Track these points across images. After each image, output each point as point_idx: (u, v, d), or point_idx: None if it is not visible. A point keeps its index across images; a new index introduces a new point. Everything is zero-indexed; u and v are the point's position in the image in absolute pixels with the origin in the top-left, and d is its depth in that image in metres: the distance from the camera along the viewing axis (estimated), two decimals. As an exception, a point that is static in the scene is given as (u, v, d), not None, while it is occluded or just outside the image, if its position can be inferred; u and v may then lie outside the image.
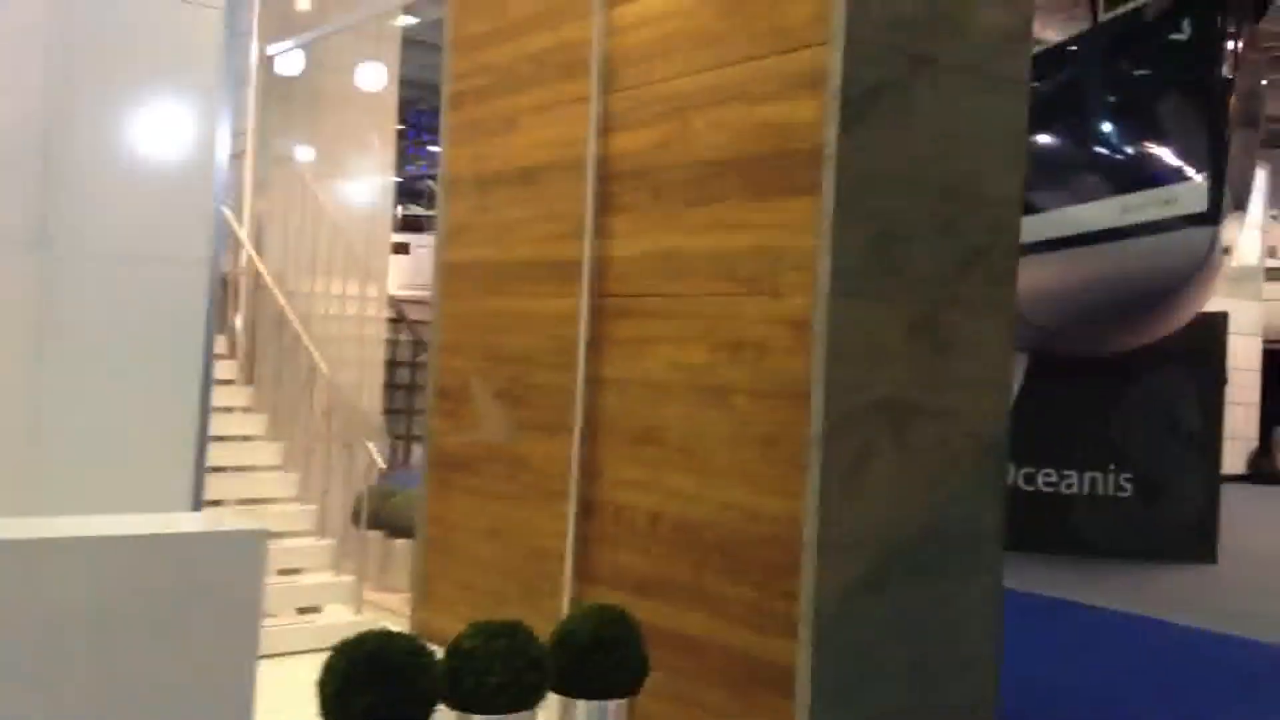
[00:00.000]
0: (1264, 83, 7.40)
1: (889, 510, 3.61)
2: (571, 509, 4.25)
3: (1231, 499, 14.12)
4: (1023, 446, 8.89)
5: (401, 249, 14.64)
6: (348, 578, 5.12)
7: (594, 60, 4.26)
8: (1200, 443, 8.75)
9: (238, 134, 6.84)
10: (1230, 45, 5.73)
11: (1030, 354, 8.77)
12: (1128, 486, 8.78)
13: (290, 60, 6.93)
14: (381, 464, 5.09)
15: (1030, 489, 8.89)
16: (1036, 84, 7.63)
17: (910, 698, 3.65)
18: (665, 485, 3.93)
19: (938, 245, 3.73)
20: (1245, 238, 17.08)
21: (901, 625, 3.61)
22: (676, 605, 3.84)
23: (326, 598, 5.10)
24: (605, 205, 4.23)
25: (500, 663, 3.18)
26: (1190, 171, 5.90)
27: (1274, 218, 21.51)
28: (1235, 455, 16.77)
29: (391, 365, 6.97)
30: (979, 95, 3.82)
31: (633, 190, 4.13)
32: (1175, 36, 6.04)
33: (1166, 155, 6.20)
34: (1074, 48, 7.15)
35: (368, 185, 7.13)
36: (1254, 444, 17.06)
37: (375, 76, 7.16)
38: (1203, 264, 6.02)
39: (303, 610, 5.08)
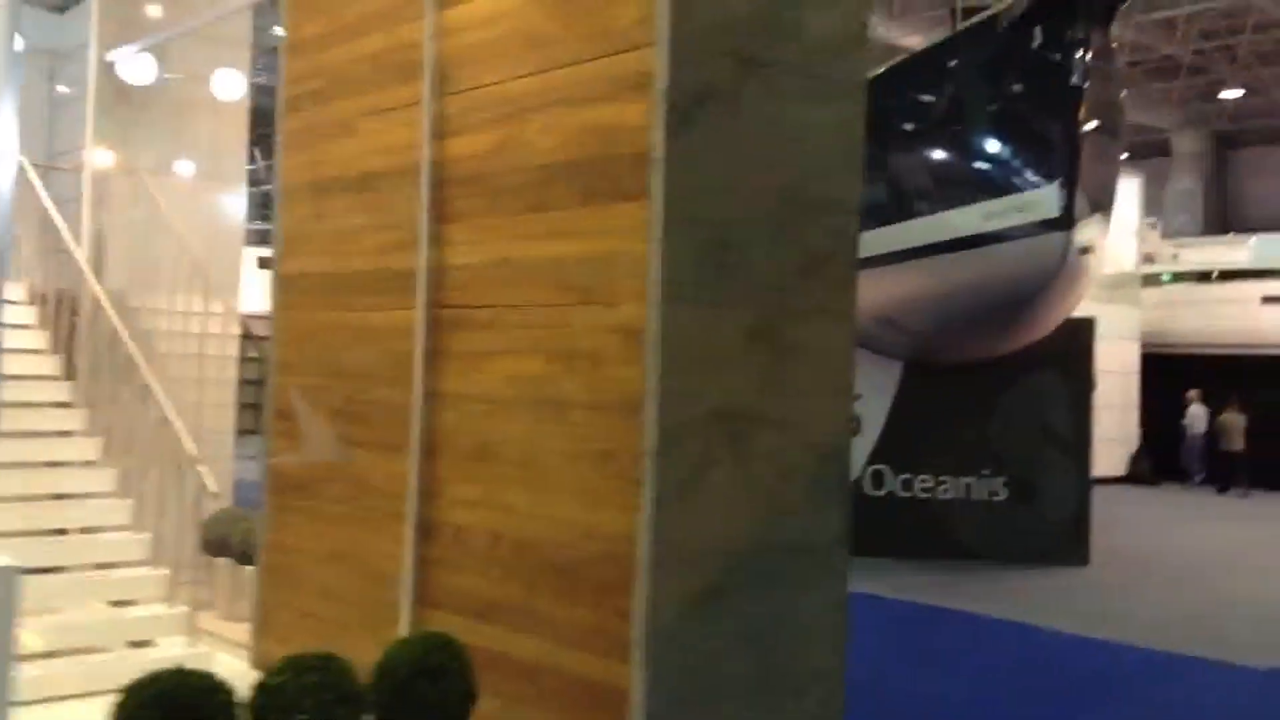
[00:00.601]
0: (1124, 92, 7.54)
1: (728, 522, 3.51)
2: (410, 531, 4.08)
3: (1111, 500, 14.49)
4: (900, 452, 8.95)
5: (269, 264, 14.18)
6: (181, 609, 4.85)
7: (427, 63, 4.10)
8: (1071, 446, 8.90)
9: (73, 148, 6.53)
10: (1080, 53, 5.80)
11: (906, 361, 8.83)
12: (1002, 490, 8.89)
13: (136, 67, 6.62)
14: (214, 488, 4.84)
15: (907, 494, 8.93)
16: (899, 93, 7.74)
17: (753, 714, 3.55)
18: (503, 503, 3.78)
19: (775, 252, 3.65)
20: (1122, 244, 17.60)
21: (743, 640, 3.51)
22: (513, 629, 3.69)
23: (159, 630, 4.83)
24: (441, 213, 4.07)
25: (310, 698, 3.00)
26: (1043, 178, 5.96)
27: (1151, 225, 22.22)
28: (1116, 458, 17.21)
29: (247, 385, 6.69)
30: (814, 100, 3.75)
31: (468, 197, 3.98)
32: (1027, 45, 6.11)
33: (1022, 162, 6.27)
34: (932, 57, 7.22)
35: (218, 197, 6.85)
36: (1134, 446, 17.50)
37: (226, 84, 6.88)
38: (1057, 268, 6.08)
39: (135, 644, 4.80)
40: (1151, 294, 17.95)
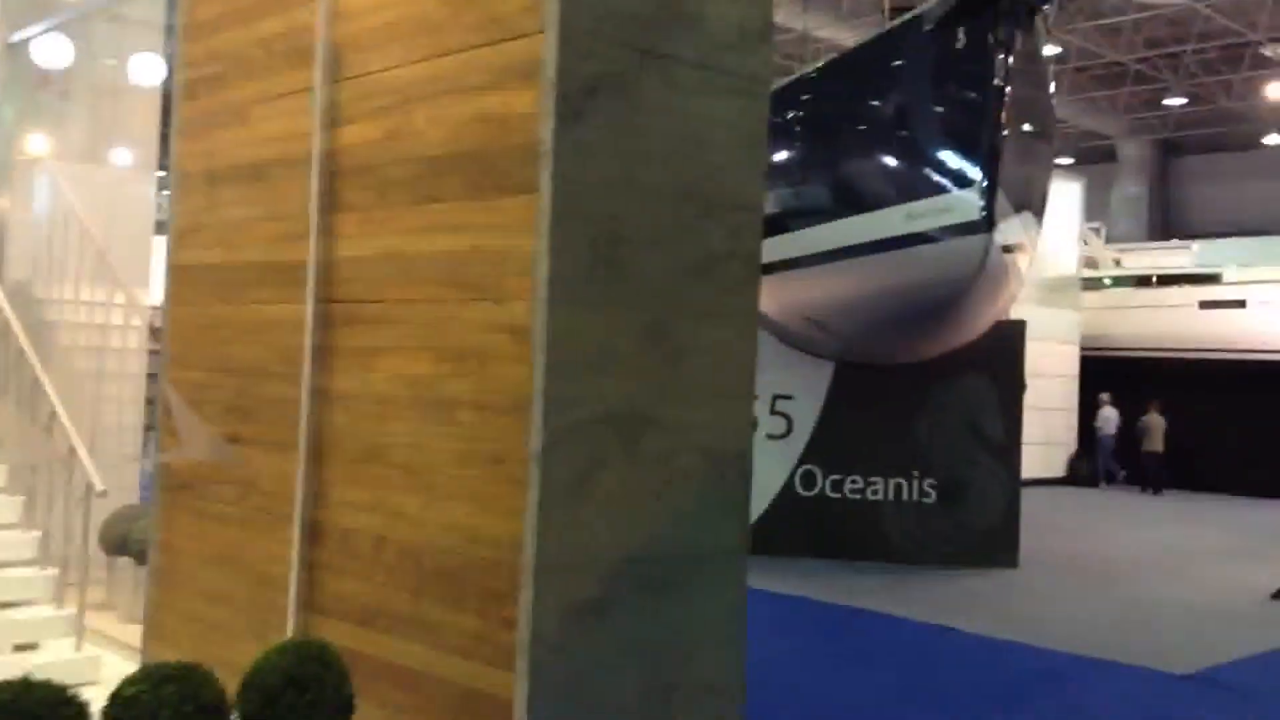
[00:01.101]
0: (1053, 94, 7.52)
1: (618, 528, 3.41)
2: (297, 534, 3.93)
3: (1048, 502, 14.58)
4: (831, 453, 8.91)
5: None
6: (70, 610, 4.66)
7: (319, 48, 3.96)
8: (1001, 448, 8.89)
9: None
10: (1001, 55, 5.75)
11: (837, 362, 8.79)
12: (931, 492, 8.86)
13: (43, 49, 6.39)
14: (100, 486, 4.65)
15: (837, 496, 8.89)
16: (826, 94, 7.68)
17: (643, 727, 3.45)
18: (390, 507, 3.65)
19: (672, 250, 3.54)
20: (1063, 249, 17.73)
21: (632, 650, 3.41)
22: (399, 636, 3.56)
23: (46, 633, 4.64)
24: (331, 204, 3.92)
25: (169, 710, 2.85)
26: (964, 179, 5.91)
27: (1094, 230, 22.42)
28: (1056, 459, 17.35)
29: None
30: (716, 94, 3.65)
31: (359, 188, 3.84)
32: (951, 45, 6.06)
33: (944, 163, 6.22)
34: (858, 57, 7.16)
35: (126, 185, 6.63)
36: (1073, 448, 17.64)
37: (140, 68, 6.67)
38: (978, 271, 6.04)
39: (20, 647, 4.61)
40: (1092, 298, 18.09)
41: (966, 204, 5.91)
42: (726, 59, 3.67)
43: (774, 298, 8.35)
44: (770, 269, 8.09)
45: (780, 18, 17.26)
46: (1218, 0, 19.56)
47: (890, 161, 6.71)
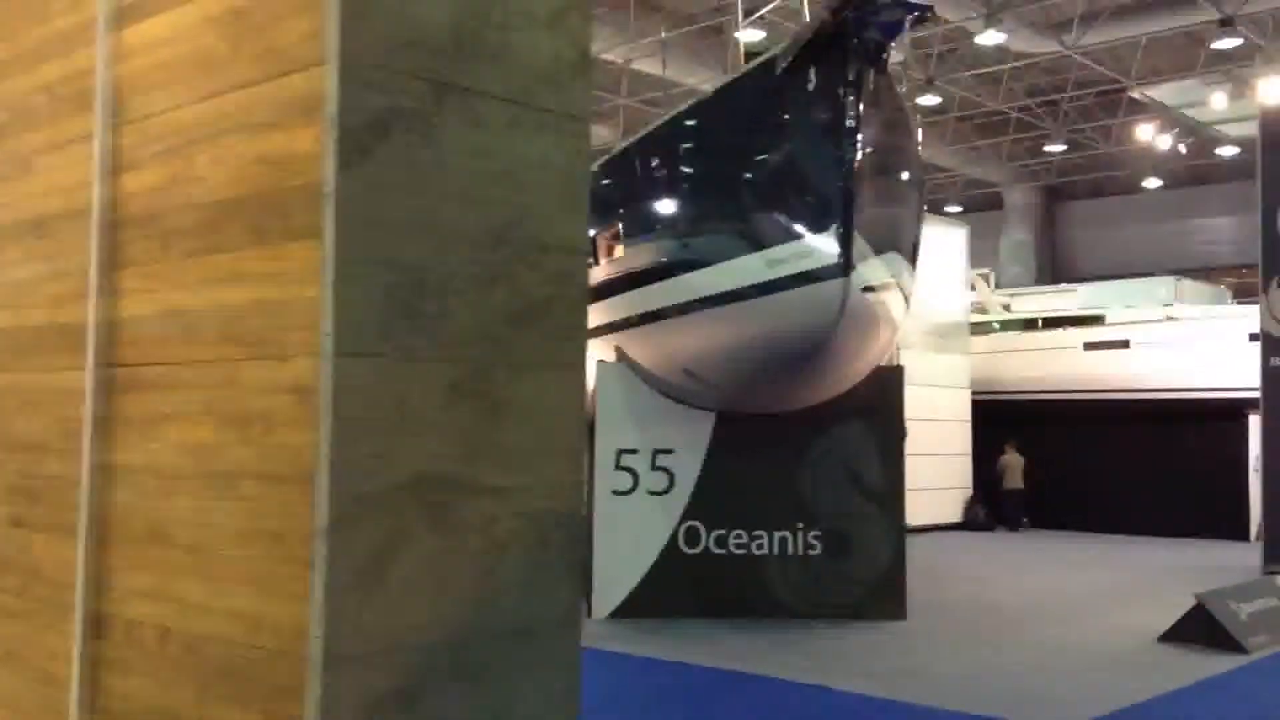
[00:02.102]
0: (915, 137, 7.46)
1: (426, 608, 3.07)
2: (79, 626, 3.51)
3: (942, 548, 14.51)
4: (713, 508, 8.65)
5: None
6: None
7: (99, 90, 3.61)
8: (883, 497, 8.73)
9: None
10: (852, 96, 5.63)
11: (716, 415, 8.56)
12: (817, 544, 8.65)
13: None
14: None
15: (722, 551, 8.63)
16: (688, 140, 7.53)
17: (460, 832, 3.09)
18: (174, 594, 3.26)
19: (484, 298, 3.25)
20: (951, 295, 17.90)
21: (445, 744, 3.06)
22: (182, 740, 3.16)
23: None
24: (113, 259, 3.56)
25: None
26: (820, 223, 5.76)
27: (983, 276, 22.77)
28: (952, 505, 17.36)
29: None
30: (528, 131, 3.38)
31: (141, 239, 3.49)
32: (803, 88, 5.94)
33: (799, 207, 6.07)
34: (717, 101, 7.02)
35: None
36: (969, 493, 17.68)
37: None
38: (838, 314, 5.87)
39: None
40: (981, 342, 18.26)
41: (822, 248, 5.74)
42: (539, 94, 3.41)
43: (650, 349, 8.12)
44: (646, 319, 7.88)
45: (648, 66, 17.27)
46: (1091, 48, 20.12)
47: (751, 207, 6.54)
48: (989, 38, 19.03)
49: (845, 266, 5.69)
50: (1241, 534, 15.45)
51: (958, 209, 32.01)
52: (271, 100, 3.10)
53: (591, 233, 8.78)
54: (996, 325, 19.50)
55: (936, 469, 16.95)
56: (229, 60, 3.24)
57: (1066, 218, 33.74)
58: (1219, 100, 12.15)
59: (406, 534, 3.03)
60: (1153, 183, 30.48)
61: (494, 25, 3.30)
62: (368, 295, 2.97)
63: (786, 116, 6.20)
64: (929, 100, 23.63)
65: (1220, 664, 7.01)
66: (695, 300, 6.88)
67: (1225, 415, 15.93)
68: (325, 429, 2.88)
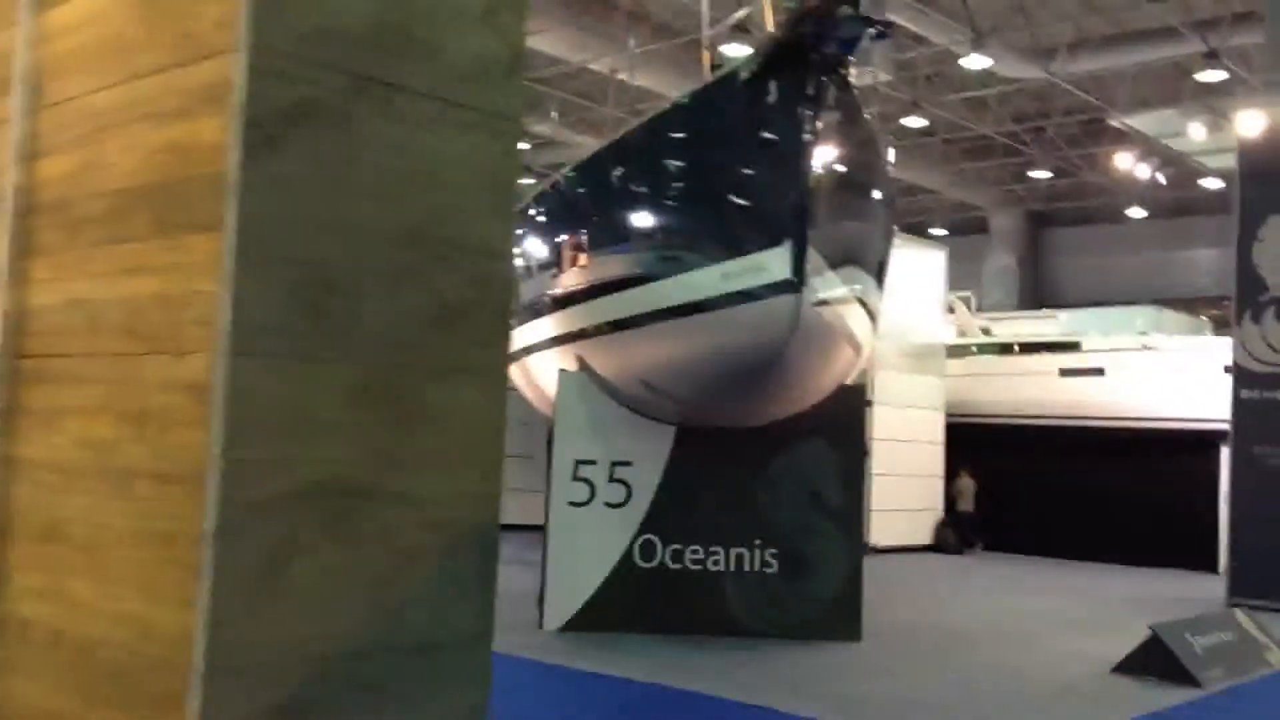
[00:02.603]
0: (880, 151, 7.39)
1: (321, 619, 2.96)
2: (-28, 626, 3.39)
3: (910, 570, 14.44)
4: (671, 522, 8.55)
5: None
6: None
7: (17, 74, 3.51)
8: (843, 516, 8.64)
9: None
10: (808, 109, 5.55)
11: (677, 428, 8.47)
12: (774, 562, 8.55)
13: None
14: None
15: (678, 567, 8.52)
16: (652, 149, 7.45)
17: None
18: (68, 595, 3.15)
19: (398, 300, 3.15)
20: (929, 317, 17.86)
21: (337, 763, 2.94)
22: (67, 747, 3.04)
23: None
24: (25, 247, 3.46)
25: None
26: (775, 237, 5.68)
27: (963, 299, 22.76)
28: (923, 526, 17.28)
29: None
30: (453, 130, 3.29)
31: (51, 228, 3.39)
32: (762, 101, 5.87)
33: (755, 220, 5.99)
34: (679, 113, 6.94)
35: None
36: (940, 515, 17.61)
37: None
38: (792, 329, 5.78)
39: None
40: (956, 365, 18.22)
41: (776, 263, 5.66)
42: (466, 92, 3.32)
43: (610, 359, 8.03)
44: (606, 329, 7.79)
45: (637, 78, 17.23)
46: (1077, 75, 20.16)
47: (708, 220, 6.46)
48: (975, 61, 19.04)
49: (798, 282, 5.60)
50: (1211, 565, 15.40)
51: (943, 231, 32.06)
52: (182, 87, 3.01)
53: (557, 240, 8.70)
54: (974, 349, 19.47)
55: (908, 490, 16.90)
56: (144, 45, 3.15)
57: (1051, 244, 33.81)
58: (1197, 131, 12.16)
59: (303, 542, 2.93)
60: (1137, 212, 30.57)
61: (420, 19, 3.21)
62: (270, 292, 2.87)
63: (745, 129, 6.13)
64: (916, 122, 23.65)
65: (1171, 697, 6.93)
66: (654, 312, 6.79)
67: (1198, 446, 15.91)
68: (217, 429, 2.78)
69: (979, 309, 24.29)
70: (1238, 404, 11.96)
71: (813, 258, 5.70)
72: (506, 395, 3.46)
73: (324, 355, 2.98)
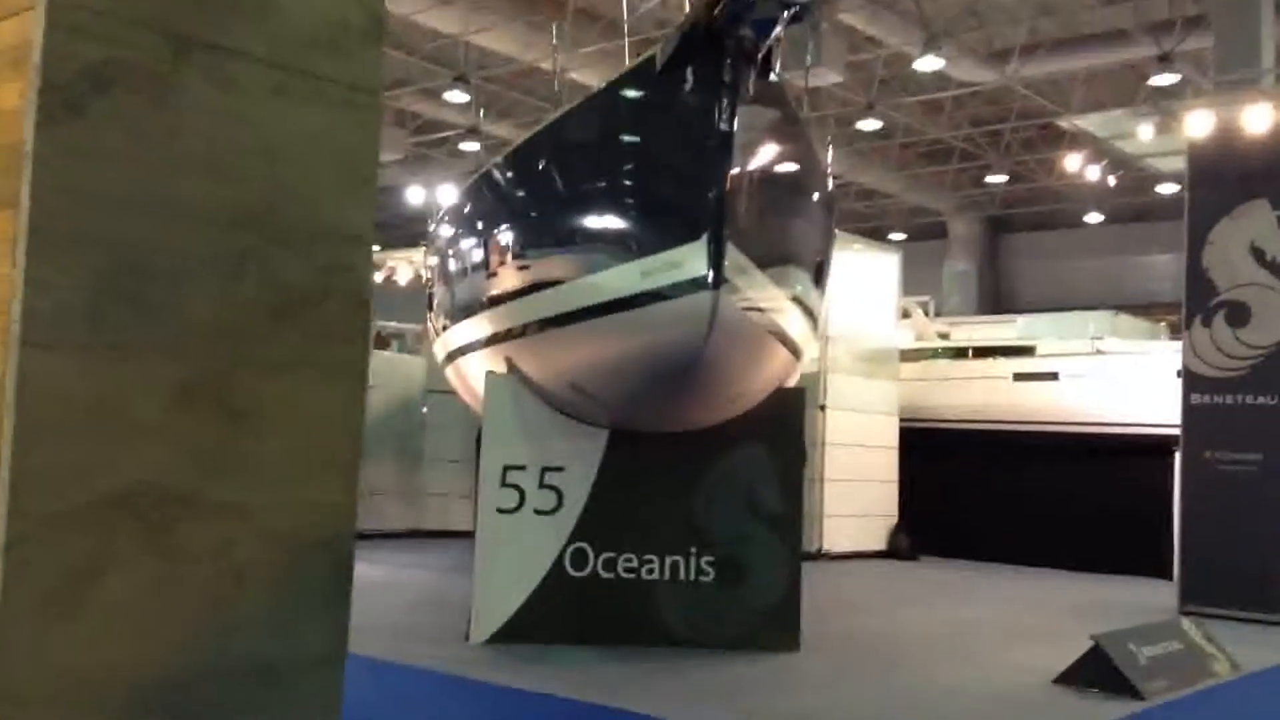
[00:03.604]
0: (814, 147, 7.12)
1: (135, 643, 2.64)
2: None
3: (861, 577, 14.20)
4: (603, 529, 8.24)
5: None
6: None
7: None
8: (780, 523, 8.36)
9: None
10: (726, 98, 5.26)
11: (610, 432, 8.17)
12: (710, 570, 8.25)
13: None
14: None
15: (610, 575, 8.20)
16: (573, 140, 7.17)
17: None
18: None
19: (229, 288, 2.85)
20: (882, 321, 17.67)
21: (152, 805, 2.63)
22: None
23: None
24: None
25: None
26: (691, 232, 5.40)
27: (920, 304, 22.63)
28: (877, 532, 17.06)
29: None
30: (299, 102, 2.99)
31: None
32: (679, 89, 5.59)
33: (672, 215, 5.70)
34: (598, 102, 6.64)
35: None
36: (894, 520, 17.39)
37: None
38: (709, 330, 5.50)
39: None
40: (911, 369, 18.02)
41: (692, 257, 5.38)
42: (315, 60, 3.02)
43: (537, 361, 7.72)
44: (532, 329, 7.48)
45: (586, 77, 16.98)
46: (1031, 78, 20.08)
47: (629, 214, 6.16)
48: (928, 63, 18.90)
49: (716, 279, 5.32)
50: (1165, 572, 15.26)
51: (901, 236, 32.00)
52: (-20, 49, 2.69)
53: (482, 236, 8.39)
54: (933, 353, 19.30)
55: (862, 495, 16.67)
56: (-53, 3, 2.83)
57: (1009, 249, 33.84)
58: (1146, 132, 12.06)
59: (114, 557, 2.61)
60: (1095, 217, 30.63)
61: (259, -22, 2.92)
62: (72, 277, 2.56)
63: (659, 119, 5.85)
64: (871, 124, 23.52)
65: (1110, 710, 6.70)
66: (576, 311, 6.49)
67: (1152, 451, 15.76)
68: (7, 430, 2.46)
69: (938, 314, 24.19)
70: (1188, 409, 11.81)
71: (734, 254, 5.42)
72: (365, 394, 3.15)
73: (139, 349, 2.67)
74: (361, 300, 3.11)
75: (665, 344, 5.77)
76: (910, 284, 20.59)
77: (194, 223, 2.78)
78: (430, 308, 11.88)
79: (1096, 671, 7.12)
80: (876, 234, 27.74)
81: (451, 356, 10.16)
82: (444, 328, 10.18)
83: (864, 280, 17.08)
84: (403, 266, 20.01)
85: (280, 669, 2.92)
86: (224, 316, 2.82)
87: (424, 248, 14.46)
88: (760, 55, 5.33)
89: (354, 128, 3.10)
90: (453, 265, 9.30)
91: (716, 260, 5.22)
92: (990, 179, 28.70)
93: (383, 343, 20.00)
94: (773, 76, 5.88)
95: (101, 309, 2.61)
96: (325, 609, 3.02)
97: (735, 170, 5.31)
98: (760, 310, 6.12)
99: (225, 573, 2.80)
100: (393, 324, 20.40)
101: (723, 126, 5.18)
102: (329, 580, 3.04)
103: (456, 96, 23.05)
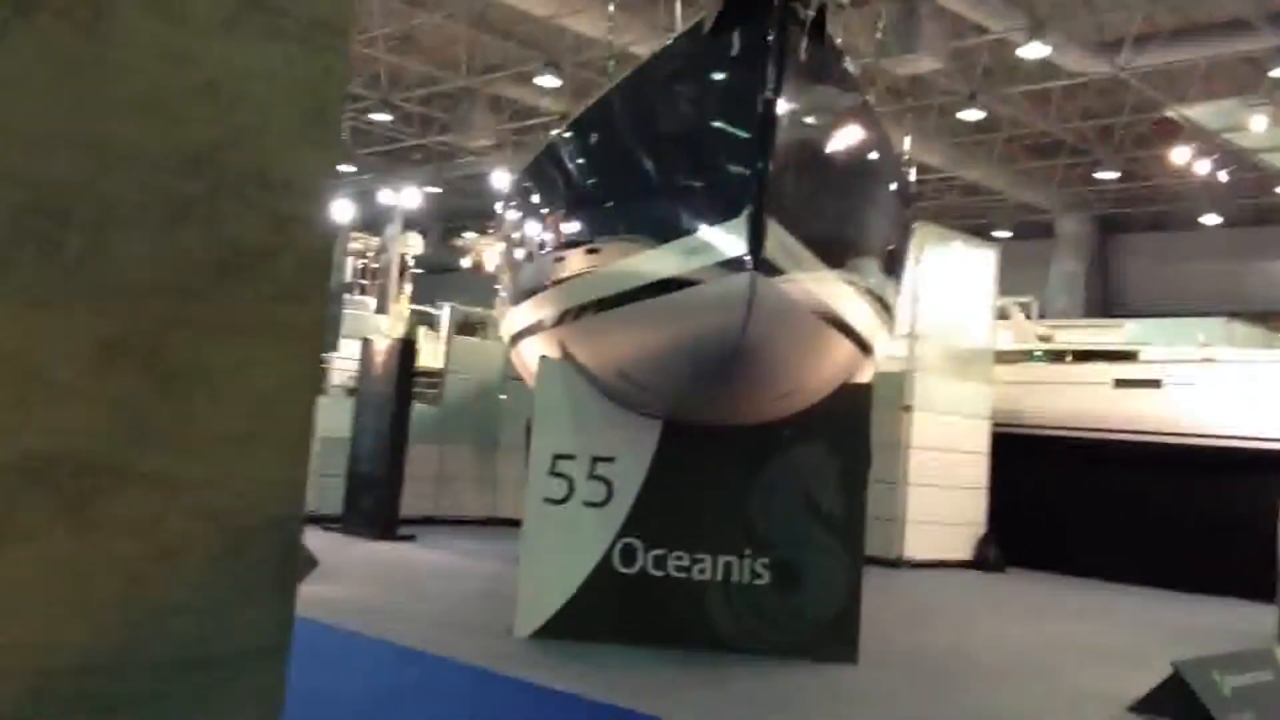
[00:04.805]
0: (878, 127, 6.67)
1: (41, 625, 2.40)
2: None
3: (942, 588, 13.63)
4: (654, 525, 7.93)
5: None
6: None
7: None
8: (841, 528, 7.94)
9: None
10: (772, 63, 4.86)
11: (664, 423, 7.85)
12: (764, 573, 7.88)
13: None
14: None
15: (660, 573, 7.89)
16: (625, 110, 6.83)
17: None
18: None
19: (165, 239, 2.58)
20: (975, 319, 16.97)
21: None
22: None
23: None
24: None
25: None
26: (733, 208, 5.02)
27: (1020, 305, 21.79)
28: (964, 542, 16.39)
29: None
30: (255, 37, 2.72)
31: None
32: (725, 54, 5.21)
33: (716, 190, 5.32)
34: (649, 70, 6.28)
35: None
36: (982, 530, 16.72)
37: None
38: (745, 315, 5.11)
39: None
40: (1007, 372, 17.27)
41: (730, 237, 5.00)
42: (275, -7, 2.75)
43: (588, 346, 7.43)
44: (583, 313, 7.18)
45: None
46: (1143, 69, 19.10)
47: (672, 191, 5.82)
48: (1033, 50, 18.07)
49: (755, 259, 4.94)
50: (1269, 595, 14.35)
51: (1007, 234, 30.92)
52: (-105, -31, 2.47)
53: (540, 218, 8.13)
54: (1035, 354, 18.50)
55: (947, 502, 16.05)
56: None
57: (1120, 250, 32.47)
58: (1260, 123, 11.19)
59: (22, 529, 2.37)
60: (1212, 219, 29.19)
61: (213, -101, 2.65)
62: (-21, 219, 2.32)
63: (703, 88, 5.49)
64: (973, 115, 22.66)
65: (1190, 744, 6.15)
66: (623, 294, 6.19)
67: (1262, 465, 14.84)
68: (-101, 385, 2.23)
69: (1043, 316, 23.27)
70: (1300, 421, 11.00)
71: (779, 235, 5.03)
72: (320, 363, 2.88)
73: (58, 300, 2.43)
74: (319, 258, 2.83)
75: (705, 329, 5.42)
76: (1015, 284, 19.78)
77: (129, 166, 2.53)
78: (499, 291, 11.71)
79: (1175, 700, 6.56)
80: (980, 232, 26.78)
81: (514, 340, 9.95)
82: (507, 311, 9.98)
83: (958, 277, 16.45)
84: (489, 252, 19.96)
85: (212, 659, 2.66)
86: (160, 270, 2.57)
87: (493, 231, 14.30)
88: (811, 17, 4.93)
89: (315, 69, 2.82)
90: (512, 247, 9.09)
91: (756, 240, 4.85)
92: (1100, 175, 27.54)
93: (469, 329, 20.00)
94: (830, 46, 5.48)
95: (16, 256, 2.38)
96: (267, 596, 2.76)
97: (782, 143, 4.93)
98: (814, 296, 5.72)
99: (152, 552, 2.56)
100: (479, 309, 20.37)
101: (767, 94, 4.80)
102: (272, 564, 2.77)
103: (549, 81, 22.92)
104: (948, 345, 16.13)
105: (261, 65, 2.72)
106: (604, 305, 6.48)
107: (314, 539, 11.73)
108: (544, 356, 7.97)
